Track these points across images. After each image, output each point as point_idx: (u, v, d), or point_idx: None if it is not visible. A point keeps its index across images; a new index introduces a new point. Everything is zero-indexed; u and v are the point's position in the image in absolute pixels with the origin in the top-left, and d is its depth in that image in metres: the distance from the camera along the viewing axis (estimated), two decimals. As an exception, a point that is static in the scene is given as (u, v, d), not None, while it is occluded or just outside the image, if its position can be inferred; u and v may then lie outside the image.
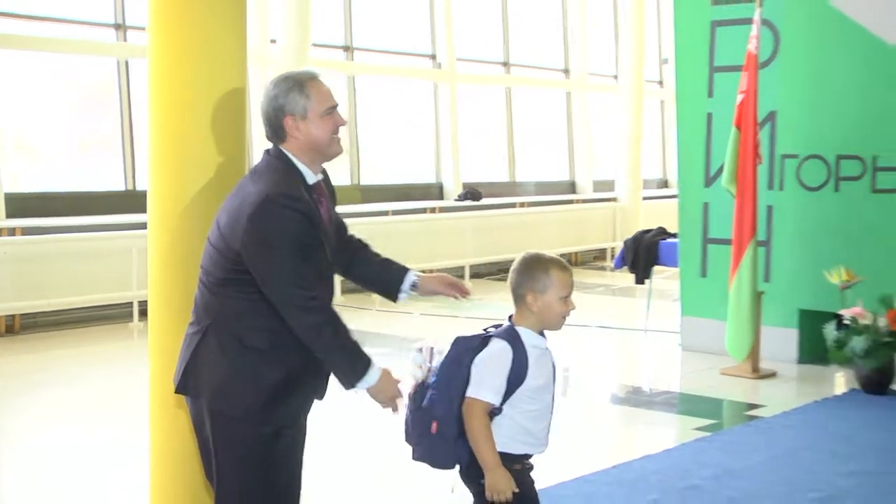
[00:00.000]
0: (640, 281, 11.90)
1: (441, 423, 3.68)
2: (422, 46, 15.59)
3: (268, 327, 3.58)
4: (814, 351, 9.04)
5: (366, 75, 14.90)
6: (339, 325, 3.58)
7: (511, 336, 3.67)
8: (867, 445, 6.84)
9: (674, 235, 10.84)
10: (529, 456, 3.69)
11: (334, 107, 3.71)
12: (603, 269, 15.74)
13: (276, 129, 3.66)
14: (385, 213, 13.57)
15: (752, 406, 7.91)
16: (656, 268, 11.83)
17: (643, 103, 17.80)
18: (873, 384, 8.17)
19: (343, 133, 3.85)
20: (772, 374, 8.81)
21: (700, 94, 9.63)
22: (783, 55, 9.08)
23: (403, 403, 3.80)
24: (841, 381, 8.63)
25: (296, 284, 3.51)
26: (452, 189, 15.51)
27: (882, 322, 8.02)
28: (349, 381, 3.62)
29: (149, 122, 4.32)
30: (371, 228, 12.94)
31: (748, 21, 8.73)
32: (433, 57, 15.56)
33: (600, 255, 16.32)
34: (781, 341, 9.13)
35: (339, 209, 4.01)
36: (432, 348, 3.85)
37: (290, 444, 3.79)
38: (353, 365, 3.60)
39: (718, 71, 9.45)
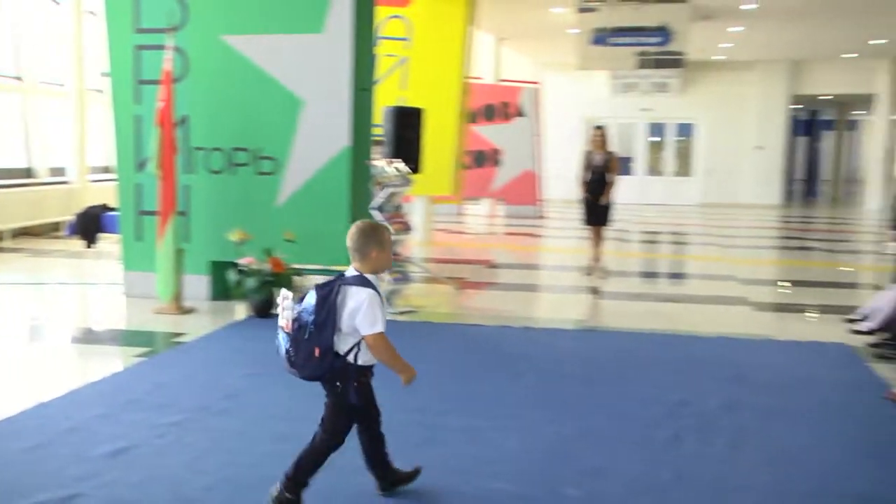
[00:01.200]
0: (89, 246, 11.68)
1: (321, 349, 4.01)
2: None
3: None
4: (221, 290, 9.28)
5: None
6: None
7: (367, 282, 4.11)
8: (258, 354, 7.10)
9: (115, 209, 10.69)
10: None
11: None
12: (59, 237, 15.04)
13: None
14: None
15: (178, 334, 7.96)
16: (103, 235, 11.65)
17: (87, 107, 17.20)
18: (261, 311, 8.59)
19: None
20: (191, 310, 8.90)
21: (129, 101, 9.45)
22: (192, 73, 9.15)
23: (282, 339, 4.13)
24: (241, 311, 8.87)
25: None
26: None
27: (266, 267, 8.49)
28: None
29: None
30: None
31: (164, 47, 8.82)
32: None
33: (56, 226, 15.59)
34: (198, 285, 9.28)
35: None
36: (284, 294, 4.17)
37: None
38: None
39: (143, 83, 9.31)
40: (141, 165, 9.43)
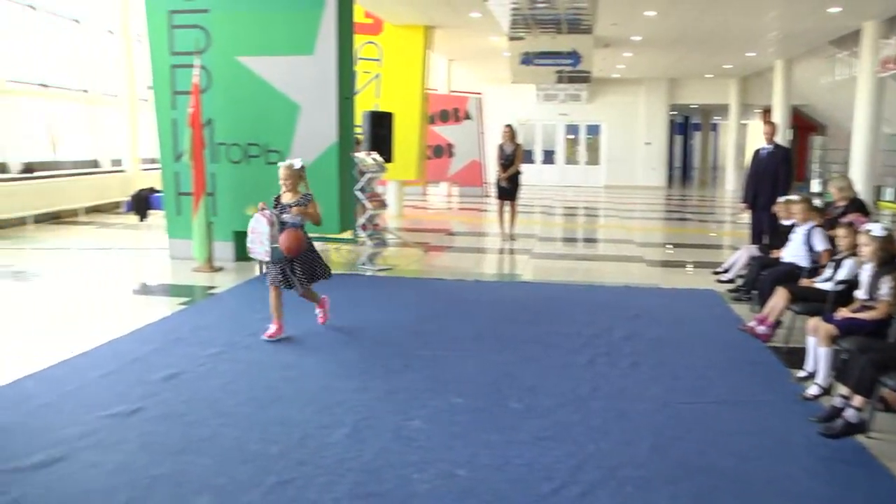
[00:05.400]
0: (141, 219, 11.42)
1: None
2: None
3: None
4: (243, 253, 8.97)
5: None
6: None
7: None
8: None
9: (160, 191, 10.45)
10: None
11: None
12: (118, 213, 14.72)
13: None
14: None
15: (211, 287, 7.87)
16: (152, 211, 11.40)
17: (137, 112, 16.83)
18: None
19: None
20: (220, 269, 8.75)
21: (168, 108, 9.22)
22: (215, 86, 8.94)
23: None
24: (258, 269, 8.67)
25: None
26: (14, 166, 13.78)
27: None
28: None
29: None
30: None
31: (193, 65, 8.61)
32: None
33: (117, 205, 15.25)
34: (224, 249, 9.10)
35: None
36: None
37: None
38: None
39: (178, 94, 9.10)
40: (178, 157, 9.25)
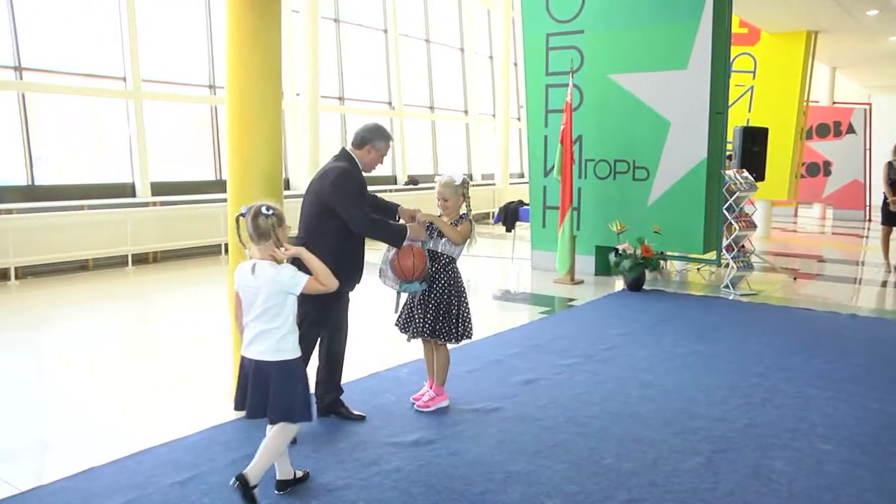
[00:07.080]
0: (508, 230, 12.13)
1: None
2: (382, 95, 15.54)
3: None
4: (603, 268, 9.28)
5: (357, 115, 14.86)
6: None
7: None
8: (630, 319, 7.08)
9: (527, 204, 11.01)
10: None
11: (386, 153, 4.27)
12: (488, 223, 15.86)
13: (361, 143, 4.16)
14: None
15: (571, 299, 8.09)
16: (518, 223, 12.06)
17: (509, 130, 17.96)
18: (634, 285, 8.46)
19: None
20: (581, 282, 9.00)
21: (540, 125, 9.74)
22: (586, 103, 9.23)
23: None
24: (618, 284, 8.82)
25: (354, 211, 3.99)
26: (401, 178, 15.58)
27: (638, 252, 8.32)
28: (396, 242, 4.14)
29: (228, 142, 4.47)
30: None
31: (566, 85, 8.95)
32: (390, 103, 15.52)
33: (486, 216, 16.46)
34: (586, 263, 9.36)
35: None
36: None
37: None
38: (393, 233, 4.13)
39: (550, 112, 9.57)
40: (547, 172, 9.66)
